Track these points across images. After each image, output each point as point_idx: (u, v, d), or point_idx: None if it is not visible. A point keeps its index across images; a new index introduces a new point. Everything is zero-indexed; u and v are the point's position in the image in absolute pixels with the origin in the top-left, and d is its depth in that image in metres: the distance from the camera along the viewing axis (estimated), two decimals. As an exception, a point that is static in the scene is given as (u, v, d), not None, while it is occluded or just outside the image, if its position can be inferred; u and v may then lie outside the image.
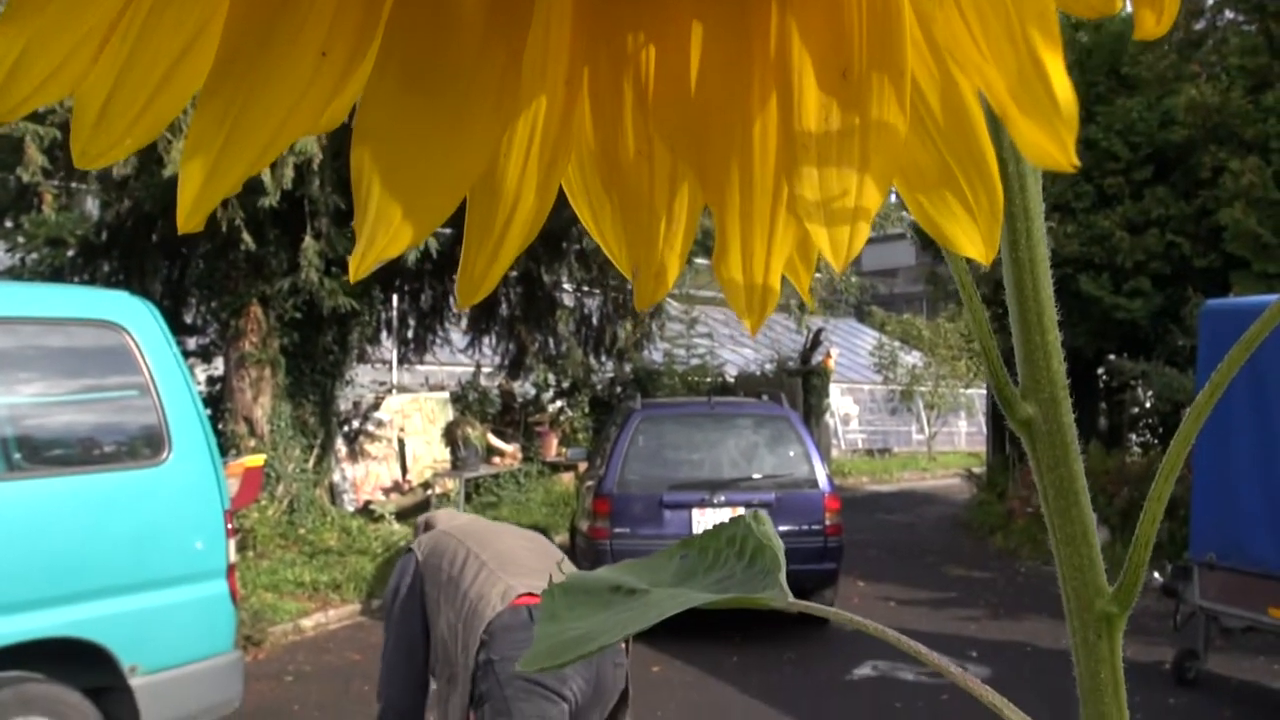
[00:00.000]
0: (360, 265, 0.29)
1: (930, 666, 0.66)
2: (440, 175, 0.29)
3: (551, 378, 17.21)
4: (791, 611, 0.75)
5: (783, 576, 0.77)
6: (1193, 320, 10.75)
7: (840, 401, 27.16)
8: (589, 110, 0.31)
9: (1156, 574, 8.42)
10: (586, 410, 16.88)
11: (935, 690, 7.36)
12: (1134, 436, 15.48)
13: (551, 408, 17.19)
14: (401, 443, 15.06)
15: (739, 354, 25.05)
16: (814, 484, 9.04)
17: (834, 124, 0.28)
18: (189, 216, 0.29)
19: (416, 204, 0.29)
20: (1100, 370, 16.01)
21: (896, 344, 27.35)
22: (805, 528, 8.84)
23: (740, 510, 8.91)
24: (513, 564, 3.49)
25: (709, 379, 19.36)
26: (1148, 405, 15.01)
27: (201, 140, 0.29)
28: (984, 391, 22.01)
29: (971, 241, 0.30)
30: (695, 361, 19.79)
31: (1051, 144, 0.27)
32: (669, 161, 0.30)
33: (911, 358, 27.11)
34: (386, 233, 0.29)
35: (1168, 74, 14.25)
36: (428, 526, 3.91)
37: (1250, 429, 6.98)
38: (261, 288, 11.44)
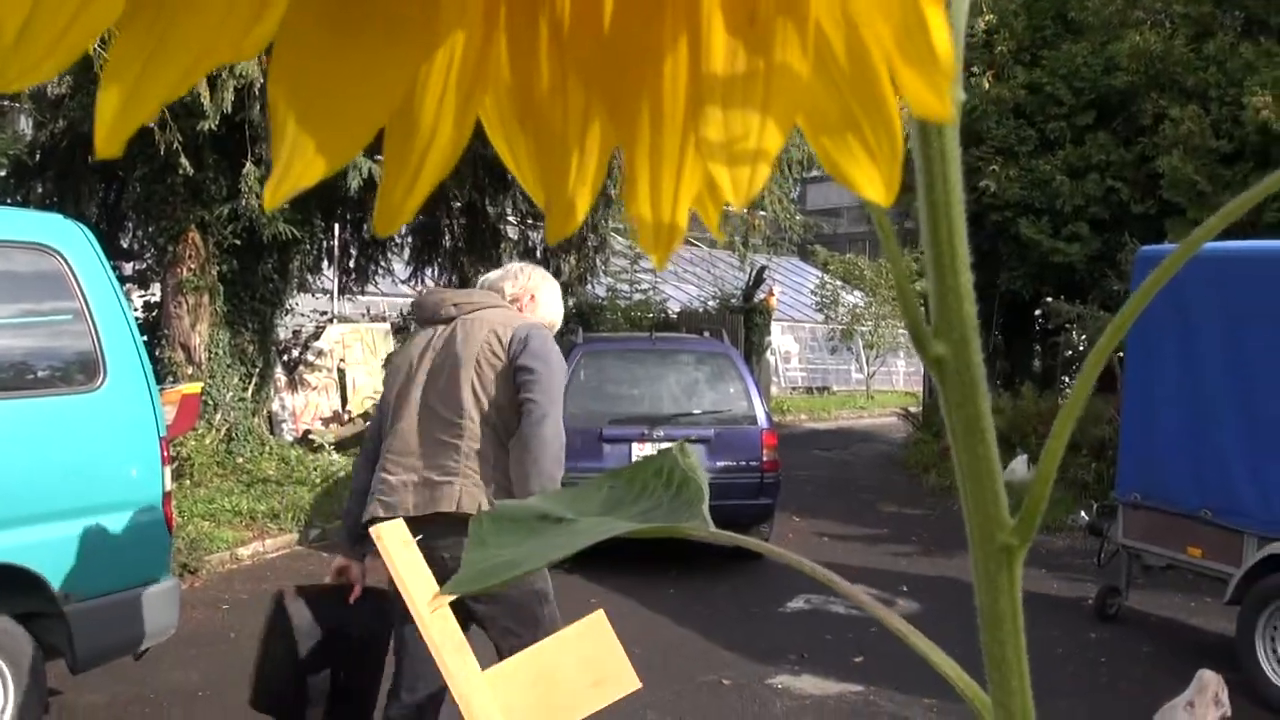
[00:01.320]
0: (275, 194, 0.30)
1: (851, 600, 0.69)
2: (358, 104, 0.30)
3: (494, 310, 17.12)
4: (715, 543, 0.77)
5: (705, 508, 0.79)
6: (1128, 265, 10.92)
7: (781, 339, 27.33)
8: (505, 44, 0.31)
9: (1083, 513, 8.63)
10: (529, 344, 16.85)
11: (865, 623, 7.51)
12: (1067, 379, 15.75)
13: (494, 340, 17.13)
14: (342, 373, 14.98)
15: (682, 290, 25.09)
16: (753, 420, 9.13)
17: (739, 67, 0.29)
18: (106, 142, 0.29)
19: (333, 132, 0.30)
20: (1037, 313, 16.23)
21: (838, 283, 27.51)
22: (743, 463, 8.93)
23: (679, 445, 8.99)
24: (389, 462, 3.73)
25: (652, 314, 19.40)
26: (1081, 349, 15.25)
27: (121, 64, 0.30)
28: (923, 332, 22.25)
29: (871, 183, 0.31)
30: (639, 297, 19.83)
31: (931, 94, 0.28)
32: (582, 98, 0.31)
33: (853, 297, 27.31)
34: (303, 160, 0.29)
35: (1113, 20, 14.33)
36: (416, 305, 4.20)
37: (1176, 375, 7.14)
38: (200, 213, 11.25)
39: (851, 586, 0.65)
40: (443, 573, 3.29)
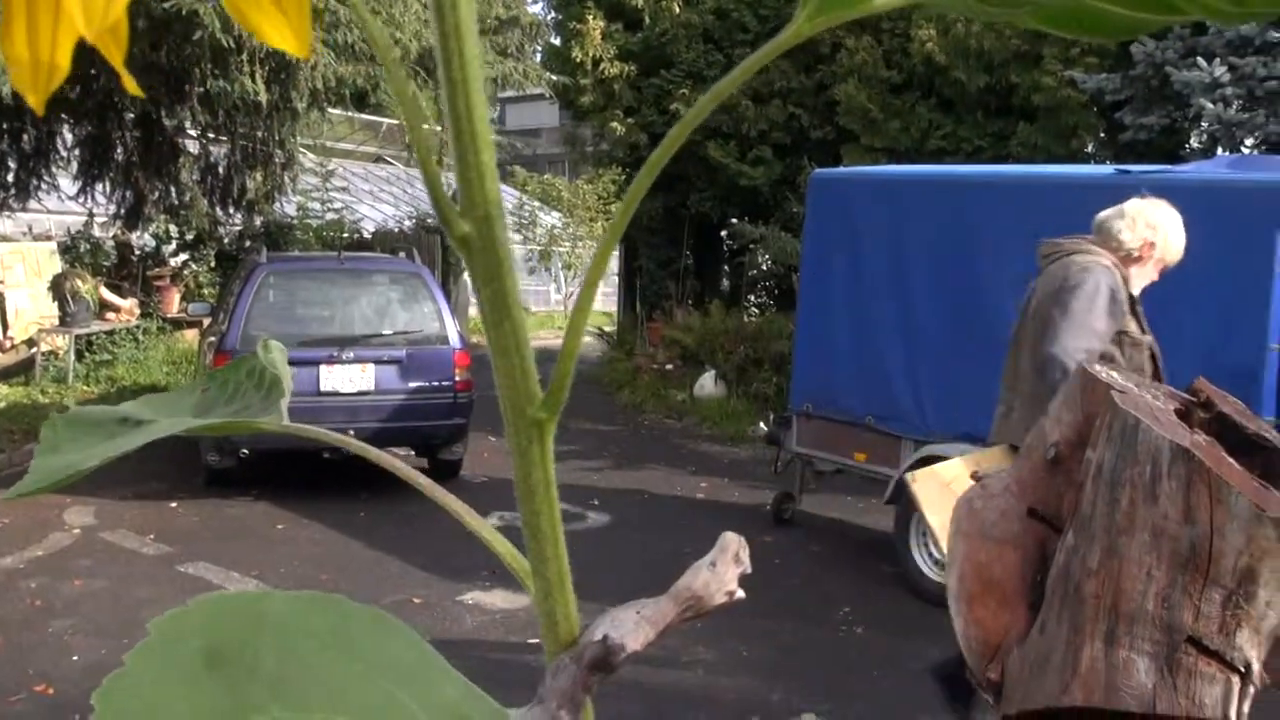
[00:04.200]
0: None
1: (442, 504, 0.69)
2: None
3: (174, 229, 16.25)
4: (290, 435, 0.77)
5: (284, 404, 0.79)
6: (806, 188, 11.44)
7: (480, 260, 27.20)
8: None
9: (762, 424, 9.08)
10: (212, 264, 16.10)
11: (557, 537, 7.66)
12: (752, 298, 16.43)
13: (174, 261, 16.27)
14: (1, 296, 13.86)
15: (377, 210, 24.55)
16: (445, 341, 9.06)
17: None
18: None
19: None
20: (724, 233, 16.82)
21: (536, 204, 27.56)
22: (435, 384, 8.88)
23: (370, 367, 8.85)
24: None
25: (345, 234, 18.87)
26: (765, 268, 15.92)
27: None
28: (617, 252, 22.57)
29: (281, 34, 0.30)
30: (331, 216, 19.20)
31: None
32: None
33: (551, 218, 27.43)
34: None
35: (794, -51, 14.83)
36: None
37: (845, 292, 7.58)
38: None
39: (449, 497, 0.65)
40: None
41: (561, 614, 0.58)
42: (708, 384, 12.97)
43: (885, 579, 7.07)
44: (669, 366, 14.11)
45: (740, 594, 0.59)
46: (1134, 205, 4.20)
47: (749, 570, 0.59)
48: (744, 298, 16.22)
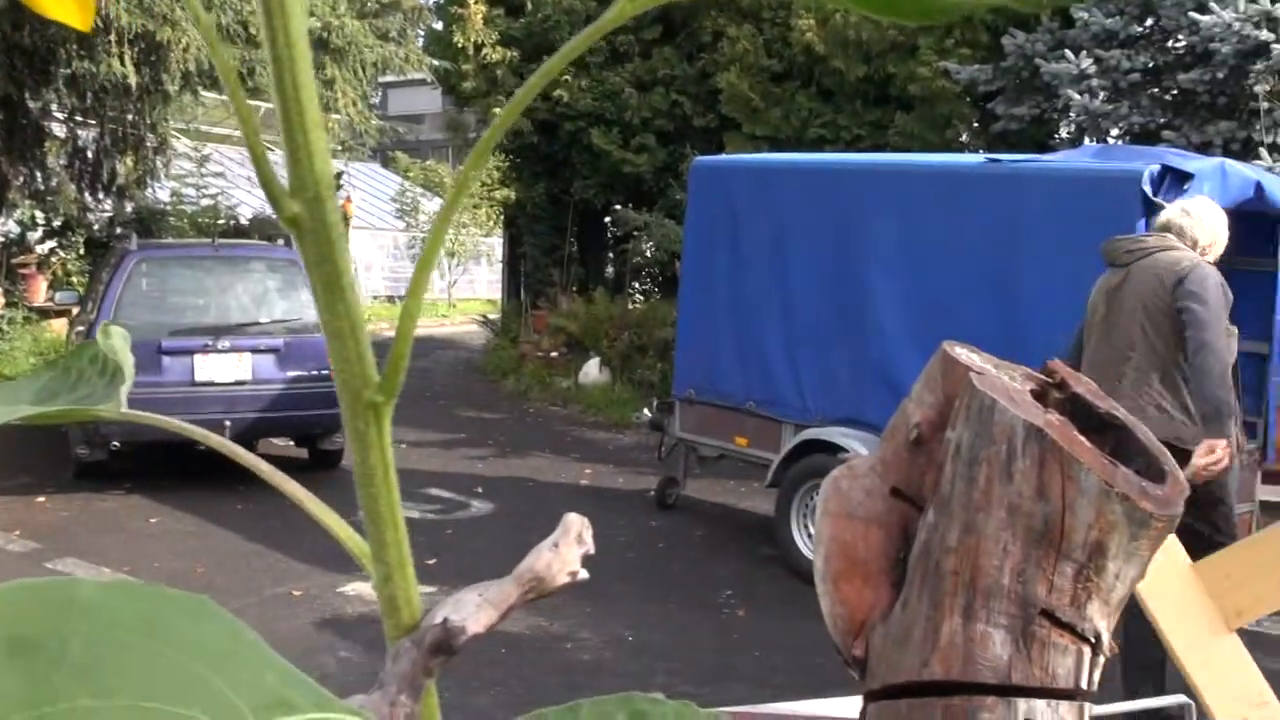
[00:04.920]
0: None
1: (281, 491, 0.68)
2: None
3: (40, 215, 15.71)
4: (130, 422, 0.75)
5: (123, 390, 0.77)
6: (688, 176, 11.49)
7: (362, 247, 26.83)
8: None
9: (646, 410, 9.13)
10: (81, 252, 15.61)
11: (440, 526, 7.61)
12: (636, 285, 16.47)
13: (40, 248, 15.73)
14: None
15: (255, 196, 24.01)
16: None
17: None
18: None
19: None
20: (608, 220, 16.83)
21: (419, 190, 27.26)
22: (315, 373, 8.73)
23: (246, 356, 8.66)
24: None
25: (221, 221, 18.40)
26: (649, 255, 15.97)
27: None
28: (502, 240, 22.44)
29: (63, 6, 0.29)
30: (206, 202, 18.70)
31: None
32: None
33: (434, 205, 27.16)
34: None
35: (676, -62, 14.87)
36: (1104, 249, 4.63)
37: (727, 278, 7.64)
38: None
39: (290, 482, 0.64)
40: None
41: (403, 598, 0.57)
42: (592, 371, 12.98)
43: (767, 561, 7.16)
44: (554, 354, 14.08)
45: (584, 574, 0.59)
46: (1193, 204, 4.60)
47: (592, 550, 0.59)
48: (628, 285, 16.26)
